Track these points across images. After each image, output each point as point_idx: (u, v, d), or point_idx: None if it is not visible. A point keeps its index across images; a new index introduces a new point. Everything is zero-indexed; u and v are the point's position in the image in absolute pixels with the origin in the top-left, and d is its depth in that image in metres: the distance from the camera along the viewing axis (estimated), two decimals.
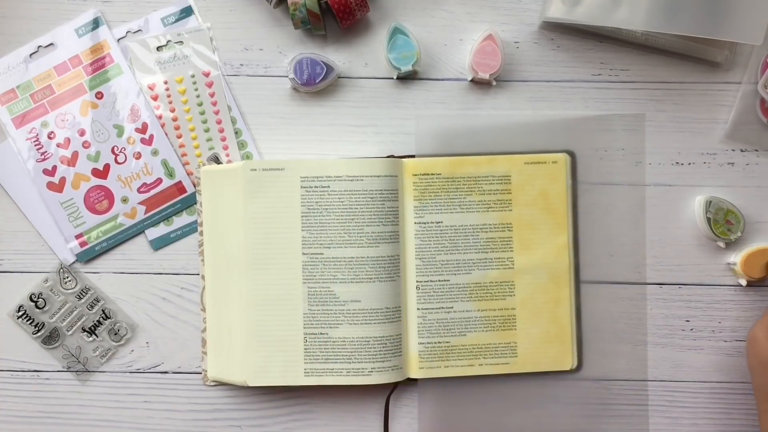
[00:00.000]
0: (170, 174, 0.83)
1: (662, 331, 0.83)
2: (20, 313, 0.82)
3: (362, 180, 0.79)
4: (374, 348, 0.79)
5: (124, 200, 0.83)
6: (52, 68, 0.83)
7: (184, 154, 0.84)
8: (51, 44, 0.83)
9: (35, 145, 0.82)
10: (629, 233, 0.83)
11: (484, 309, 0.81)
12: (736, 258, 0.82)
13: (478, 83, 0.84)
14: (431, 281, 0.81)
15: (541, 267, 0.81)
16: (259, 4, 0.84)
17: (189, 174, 0.84)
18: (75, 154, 0.83)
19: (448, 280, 0.81)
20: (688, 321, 0.83)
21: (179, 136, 0.84)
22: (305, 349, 0.79)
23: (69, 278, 0.83)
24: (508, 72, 0.84)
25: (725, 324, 0.83)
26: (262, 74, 0.84)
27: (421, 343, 0.81)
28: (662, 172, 0.83)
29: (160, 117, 0.83)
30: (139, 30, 0.84)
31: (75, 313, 0.83)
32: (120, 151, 0.83)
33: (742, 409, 0.83)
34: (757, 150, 0.83)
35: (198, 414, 0.83)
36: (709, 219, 0.81)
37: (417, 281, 0.81)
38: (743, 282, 0.82)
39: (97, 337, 0.83)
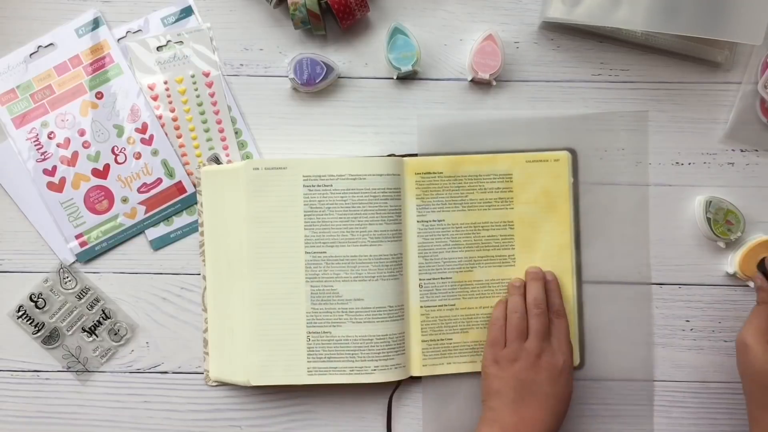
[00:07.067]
0: (170, 174, 0.83)
1: (662, 331, 0.83)
2: (20, 313, 0.82)
3: (365, 179, 0.79)
4: (377, 346, 0.79)
5: (124, 200, 0.83)
6: (52, 68, 0.83)
7: (184, 154, 0.83)
8: (51, 44, 0.83)
9: (35, 145, 0.82)
10: (630, 233, 0.83)
11: (486, 306, 0.81)
12: (732, 266, 0.82)
13: (478, 83, 0.84)
14: (433, 279, 0.81)
15: (544, 265, 0.81)
16: (259, 4, 0.84)
17: (189, 174, 0.83)
18: (75, 154, 0.83)
19: (450, 278, 0.81)
20: (688, 321, 0.83)
21: (179, 136, 0.83)
22: (308, 347, 0.79)
23: (69, 278, 0.82)
24: (508, 72, 0.84)
25: (725, 324, 0.83)
26: (262, 74, 0.84)
27: (424, 341, 0.81)
28: (662, 172, 0.84)
29: (160, 117, 0.83)
30: (139, 30, 0.84)
31: (75, 313, 0.82)
32: (120, 151, 0.83)
33: (743, 409, 0.83)
34: (757, 150, 0.83)
35: (198, 414, 0.83)
36: (709, 219, 0.81)
37: (419, 279, 0.81)
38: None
39: (97, 337, 0.83)
